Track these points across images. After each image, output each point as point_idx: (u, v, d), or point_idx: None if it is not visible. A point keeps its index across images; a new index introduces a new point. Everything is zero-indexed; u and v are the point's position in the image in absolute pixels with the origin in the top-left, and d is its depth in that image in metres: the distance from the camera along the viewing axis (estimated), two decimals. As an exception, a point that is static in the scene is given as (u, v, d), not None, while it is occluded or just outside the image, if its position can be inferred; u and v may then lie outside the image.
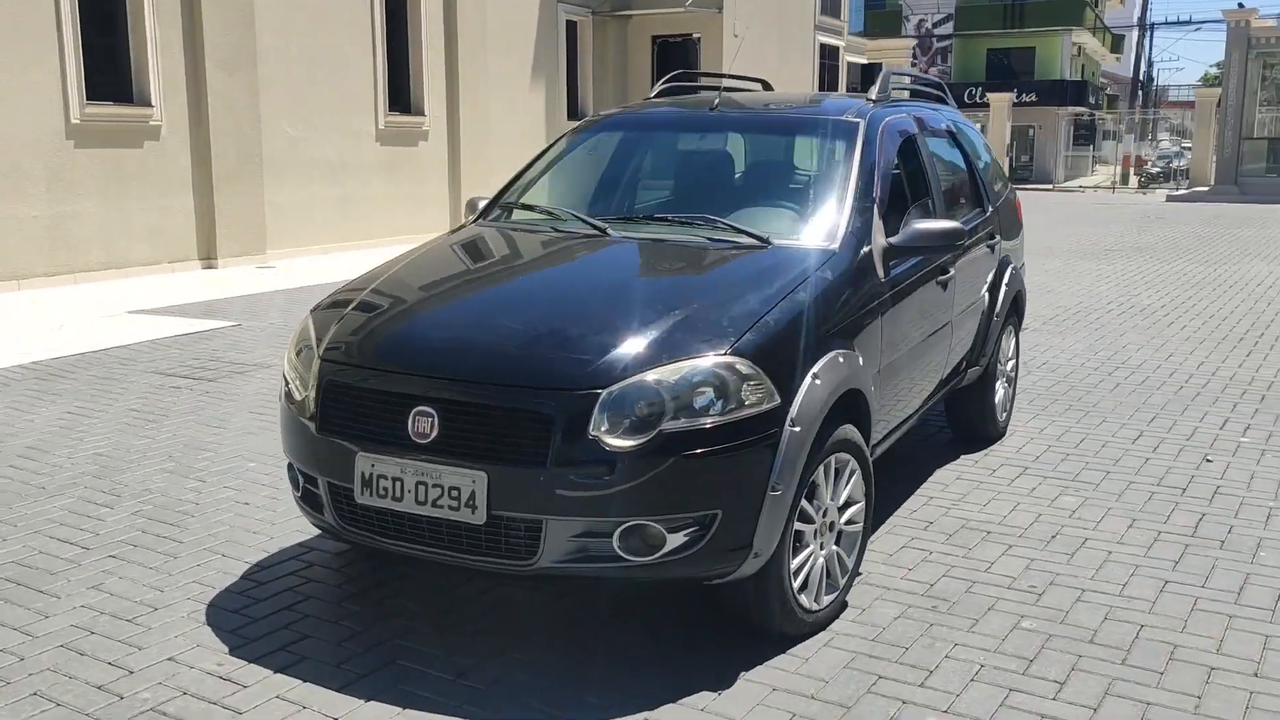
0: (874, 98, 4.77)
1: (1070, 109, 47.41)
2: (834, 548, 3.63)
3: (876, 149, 4.31)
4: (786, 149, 4.58)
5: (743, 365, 3.20)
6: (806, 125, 4.63)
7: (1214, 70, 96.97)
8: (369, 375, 3.37)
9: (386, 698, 3.18)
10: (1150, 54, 58.94)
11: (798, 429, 3.28)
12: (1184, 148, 48.89)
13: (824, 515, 3.55)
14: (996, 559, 4.23)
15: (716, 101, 4.74)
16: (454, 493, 3.16)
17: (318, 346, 3.56)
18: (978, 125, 36.50)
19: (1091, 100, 50.91)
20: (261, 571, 4.06)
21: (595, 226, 4.13)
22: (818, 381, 3.39)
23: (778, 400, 3.24)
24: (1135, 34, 55.57)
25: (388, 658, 3.41)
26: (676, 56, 19.91)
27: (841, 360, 3.54)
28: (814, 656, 3.45)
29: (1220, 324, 9.33)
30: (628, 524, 3.11)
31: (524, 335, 3.37)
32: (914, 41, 35.84)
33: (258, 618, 3.69)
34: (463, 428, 3.18)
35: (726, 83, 5.58)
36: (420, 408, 3.22)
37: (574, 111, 18.93)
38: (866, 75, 29.40)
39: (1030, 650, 3.49)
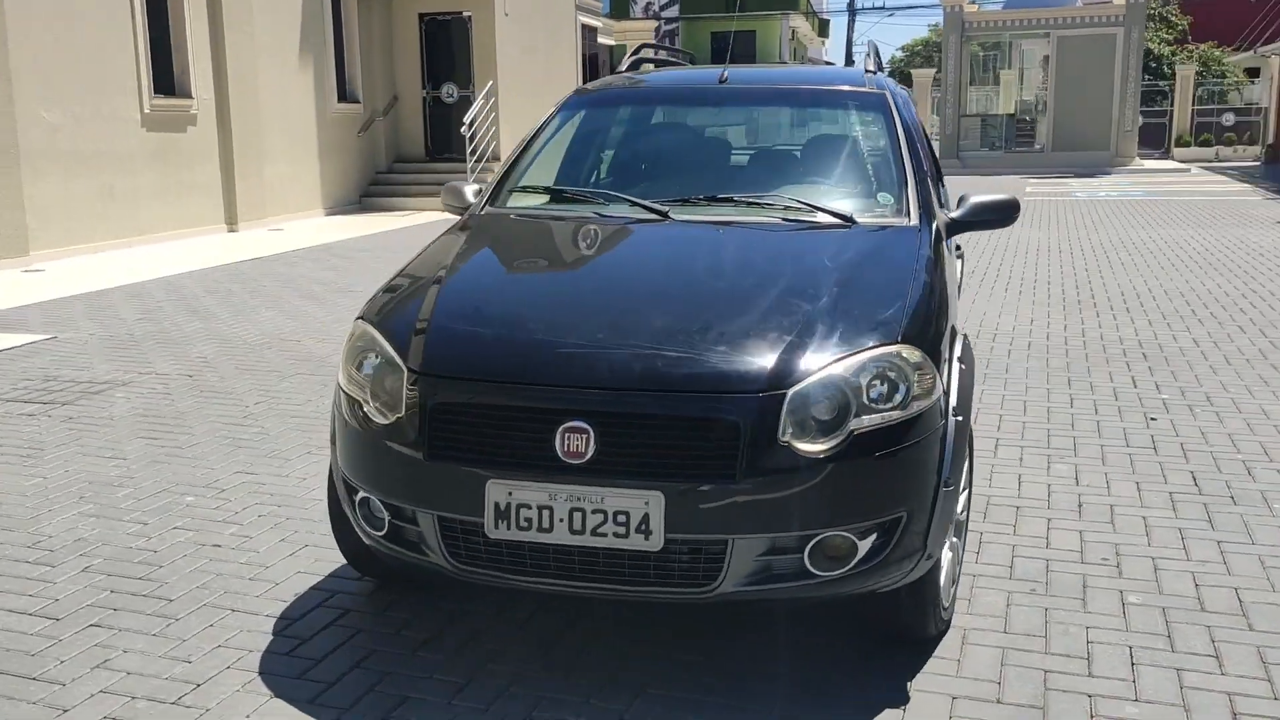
0: (871, 69, 4.61)
1: (791, 90, 49.51)
2: (954, 539, 3.46)
3: (909, 120, 4.16)
4: (816, 121, 4.34)
5: (912, 354, 2.95)
6: (833, 97, 4.40)
7: (900, 54, 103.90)
8: (499, 391, 2.89)
9: (550, 760, 2.75)
10: (852, 37, 62.35)
11: (960, 418, 3.07)
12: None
13: None
14: (1047, 534, 4.19)
15: (725, 74, 4.43)
16: (620, 518, 2.75)
17: (403, 359, 3.03)
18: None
19: (808, 81, 53.39)
20: (294, 625, 3.46)
21: (655, 210, 3.75)
22: (963, 366, 3.20)
23: (941, 389, 3.02)
24: (847, 18, 58.65)
25: (521, 713, 2.96)
26: (446, 35, 19.19)
27: (966, 343, 3.37)
28: (963, 657, 3.26)
29: (1050, 288, 9.85)
30: (820, 536, 2.80)
31: (676, 335, 2.97)
32: (657, 24, 36.24)
33: (329, 681, 3.13)
34: (629, 443, 2.77)
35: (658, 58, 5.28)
36: (571, 424, 2.77)
37: (344, 93, 17.89)
38: (615, 57, 29.53)
39: (1159, 626, 3.44)
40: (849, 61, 59.53)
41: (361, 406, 3.09)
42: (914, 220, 3.70)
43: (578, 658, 3.25)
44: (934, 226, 3.73)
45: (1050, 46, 29.83)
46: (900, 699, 3.04)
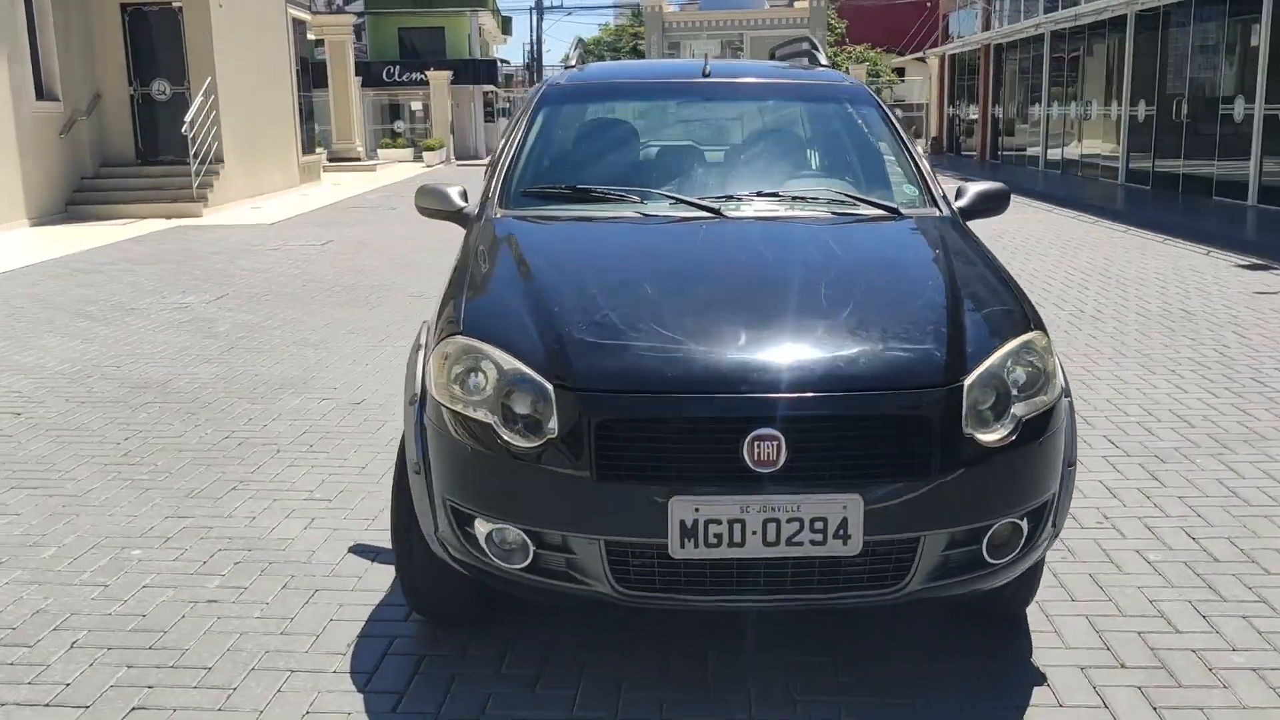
0: (824, 63, 4.68)
1: (483, 87, 49.50)
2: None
3: (891, 112, 4.25)
4: (815, 114, 4.32)
5: (1042, 339, 3.03)
6: (823, 90, 4.40)
7: (570, 51, 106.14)
8: (678, 403, 2.71)
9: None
10: (538, 35, 63.02)
11: (1069, 399, 3.18)
12: None
13: None
14: (1031, 505, 4.42)
15: (708, 68, 4.33)
16: (818, 524, 2.66)
17: (545, 376, 2.77)
18: (418, 104, 36.49)
19: (499, 79, 53.52)
20: (375, 679, 3.11)
21: (706, 208, 3.63)
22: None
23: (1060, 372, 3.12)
24: (534, 17, 59.10)
25: (698, 740, 2.81)
26: (153, 27, 17.66)
27: None
28: (1057, 629, 3.38)
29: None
30: (996, 524, 2.83)
31: (835, 334, 2.89)
32: (354, 19, 34.97)
33: (466, 736, 2.84)
34: (822, 447, 2.68)
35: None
36: (760, 431, 2.65)
37: (41, 90, 16.10)
38: (312, 52, 28.33)
39: (1195, 580, 3.70)
40: (540, 61, 60.02)
41: (495, 431, 2.80)
42: (943, 210, 3.80)
43: (708, 674, 3.11)
44: (955, 215, 3.84)
45: (745, 46, 31.38)
46: (1036, 676, 3.12)
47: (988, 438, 2.79)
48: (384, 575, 3.78)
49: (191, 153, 16.72)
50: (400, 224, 15.17)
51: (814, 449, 2.68)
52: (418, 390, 3.11)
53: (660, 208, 3.70)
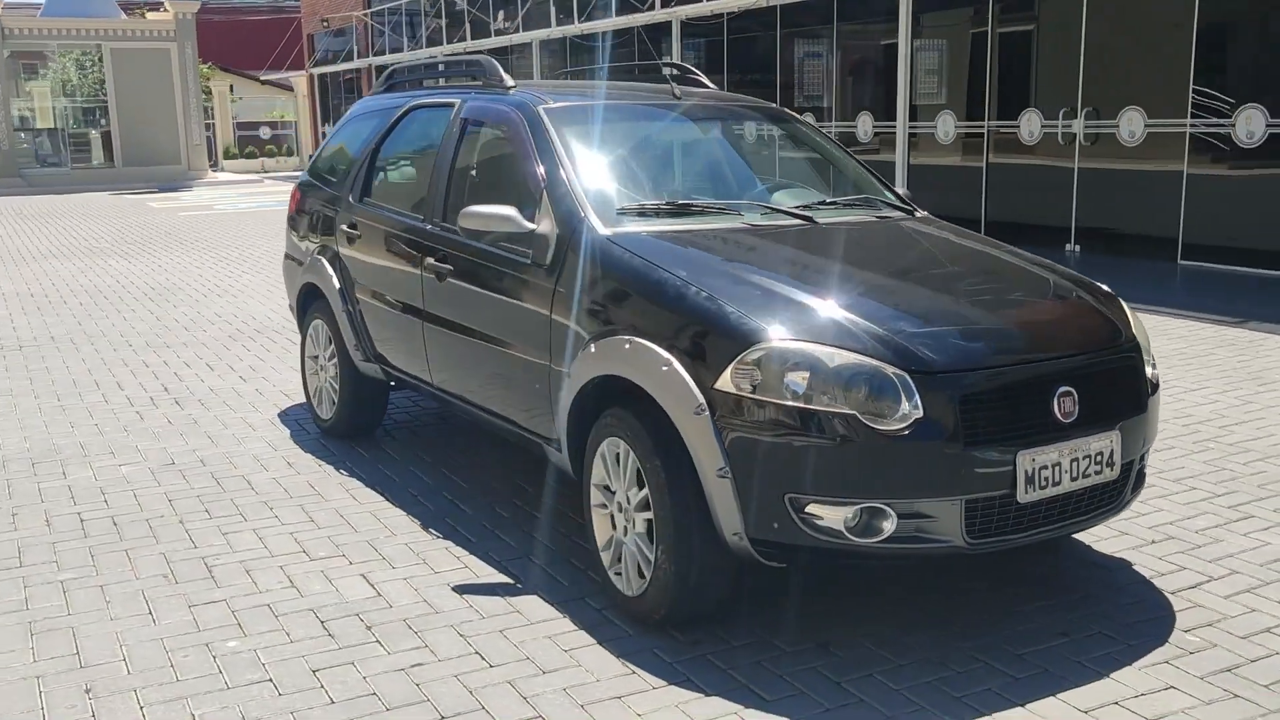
0: (710, 86, 5.18)
1: None
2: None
3: (816, 130, 4.92)
4: (783, 135, 4.73)
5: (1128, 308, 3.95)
6: (774, 112, 4.88)
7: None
8: (1013, 372, 3.24)
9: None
10: None
11: None
12: None
13: None
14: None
15: (678, 91, 4.58)
16: (1099, 458, 3.34)
17: (896, 367, 3.12)
18: None
19: None
20: (713, 685, 3.15)
21: (802, 216, 4.07)
22: None
23: None
24: None
25: (932, 674, 3.32)
26: None
27: None
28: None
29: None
30: (1149, 445, 3.70)
31: (1062, 307, 3.70)
32: None
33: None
34: (1098, 395, 3.36)
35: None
36: (1063, 388, 3.26)
37: None
38: None
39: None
40: None
41: (859, 420, 3.06)
42: (918, 211, 4.57)
43: (918, 622, 3.56)
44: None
45: (105, 58, 28.86)
46: (1120, 561, 4.02)
47: (1151, 376, 3.66)
48: (535, 604, 3.67)
49: None
50: None
51: (1090, 397, 3.34)
52: (700, 400, 3.21)
53: (755, 218, 4.05)
